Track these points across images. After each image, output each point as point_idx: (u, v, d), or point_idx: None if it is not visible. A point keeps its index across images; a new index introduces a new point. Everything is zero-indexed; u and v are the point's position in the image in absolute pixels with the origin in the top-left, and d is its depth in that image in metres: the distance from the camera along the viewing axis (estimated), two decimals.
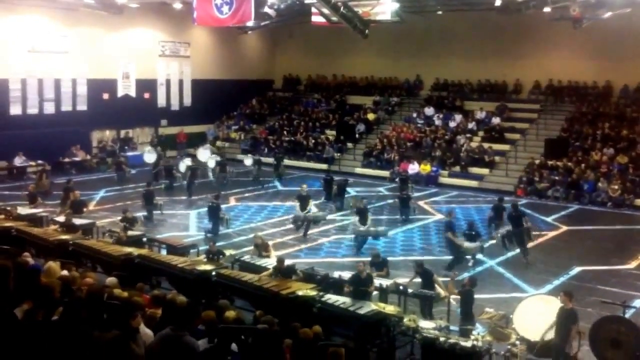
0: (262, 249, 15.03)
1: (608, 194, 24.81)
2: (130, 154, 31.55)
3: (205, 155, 30.02)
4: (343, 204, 22.93)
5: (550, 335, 10.30)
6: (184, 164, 26.85)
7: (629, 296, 13.81)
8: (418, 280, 13.01)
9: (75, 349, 5.74)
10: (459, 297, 11.84)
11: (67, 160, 29.73)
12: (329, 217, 21.52)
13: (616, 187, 24.83)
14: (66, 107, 30.81)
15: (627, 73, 29.55)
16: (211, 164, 28.41)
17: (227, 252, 14.70)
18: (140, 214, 19.95)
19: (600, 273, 16.16)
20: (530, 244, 17.49)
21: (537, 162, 27.75)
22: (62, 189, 21.23)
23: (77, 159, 30.18)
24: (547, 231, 20.54)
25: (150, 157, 29.35)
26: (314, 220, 19.63)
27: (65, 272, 9.08)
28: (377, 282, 12.58)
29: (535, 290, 14.60)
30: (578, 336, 10.14)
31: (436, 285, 12.56)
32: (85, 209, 19.83)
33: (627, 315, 11.25)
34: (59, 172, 27.83)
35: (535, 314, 10.53)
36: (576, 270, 16.33)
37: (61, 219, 17.57)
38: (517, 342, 10.41)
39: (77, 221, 17.55)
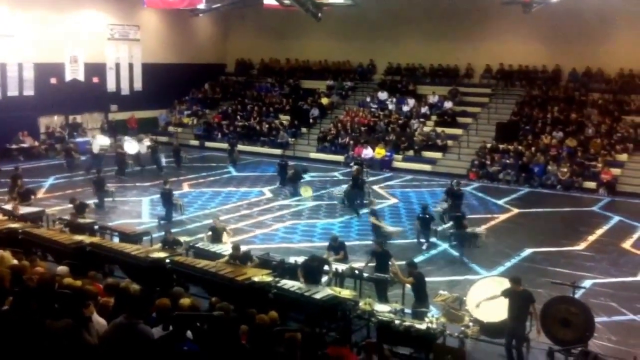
0: (219, 233, 14.91)
1: (557, 177, 25.33)
2: (79, 139, 30.85)
3: (133, 147, 27.99)
4: (296, 189, 22.89)
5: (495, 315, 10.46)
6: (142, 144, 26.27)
7: (579, 277, 14.19)
8: (373, 264, 13.10)
9: (27, 338, 5.63)
10: (411, 281, 11.86)
11: (14, 146, 28.96)
12: (284, 202, 21.53)
13: (565, 169, 25.36)
14: (12, 92, 29.92)
15: (576, 57, 30.11)
16: (142, 149, 27.88)
17: (182, 239, 14.57)
18: (92, 201, 19.60)
19: (551, 254, 16.51)
20: (481, 228, 17.81)
21: (488, 145, 28.14)
22: (10, 176, 20.70)
23: (24, 145, 29.41)
24: (498, 214, 20.88)
25: (131, 147, 27.55)
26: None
27: (15, 262, 8.85)
28: (334, 266, 12.60)
29: (487, 272, 14.84)
30: (533, 316, 10.32)
31: (391, 267, 12.61)
32: (33, 197, 19.39)
33: (576, 296, 11.51)
34: (6, 159, 27.11)
35: (488, 295, 10.68)
36: (527, 252, 16.64)
37: (9, 207, 17.14)
38: (470, 324, 10.59)
39: (27, 209, 17.18)
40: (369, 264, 13.17)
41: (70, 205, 17.33)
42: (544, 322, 10.53)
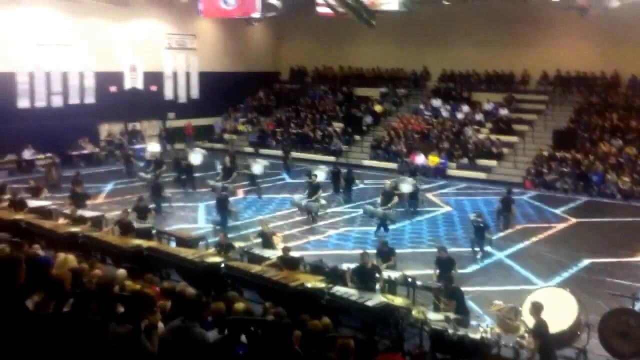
0: (269, 238, 15.03)
1: (617, 186, 24.70)
2: (138, 146, 31.56)
3: (198, 158, 26.70)
4: (351, 196, 22.90)
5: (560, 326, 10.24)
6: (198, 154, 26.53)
7: (638, 288, 13.78)
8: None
9: (87, 341, 5.75)
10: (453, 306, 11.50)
11: (75, 153, 29.80)
12: (337, 209, 21.56)
13: (626, 179, 24.71)
14: (74, 99, 30.85)
15: (635, 63, 29.32)
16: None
17: (237, 245, 14.74)
18: (150, 206, 20.03)
19: (609, 265, 16.10)
20: (536, 237, 17.53)
21: (545, 153, 27.65)
22: (70, 182, 21.32)
23: (85, 151, 30.26)
24: (555, 223, 20.47)
25: (196, 158, 26.51)
26: (309, 210, 20.07)
27: (75, 264, 9.10)
28: (386, 274, 12.57)
29: (544, 282, 14.54)
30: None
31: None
32: (88, 201, 19.88)
33: (636, 308, 11.21)
34: (67, 165, 27.91)
35: (545, 306, 10.48)
36: (585, 262, 16.27)
37: (68, 211, 17.64)
38: (526, 335, 10.40)
39: (86, 214, 17.62)
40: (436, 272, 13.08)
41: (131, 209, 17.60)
42: (602, 334, 10.30)
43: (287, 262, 12.82)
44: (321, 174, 23.74)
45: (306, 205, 20.26)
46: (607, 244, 18.02)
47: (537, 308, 9.73)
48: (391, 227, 19.41)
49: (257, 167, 25.40)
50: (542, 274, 15.24)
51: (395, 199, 19.70)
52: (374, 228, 19.00)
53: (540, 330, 9.50)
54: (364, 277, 12.12)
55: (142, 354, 5.81)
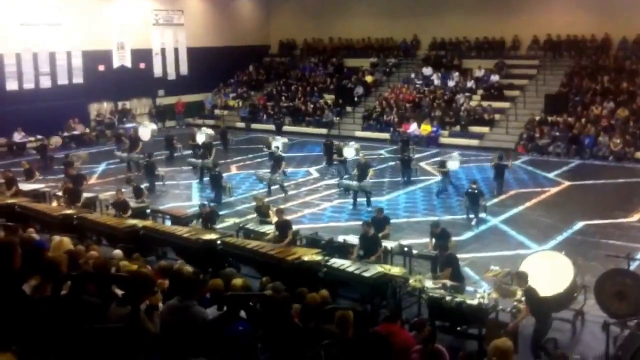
0: (265, 212, 15.05)
1: (609, 148, 24.76)
2: (129, 125, 31.36)
3: (203, 136, 26.30)
4: (346, 168, 22.90)
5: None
6: (203, 133, 26.35)
7: (633, 248, 13.86)
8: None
9: (86, 323, 5.76)
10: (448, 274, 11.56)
11: (66, 134, 29.63)
12: (330, 182, 21.57)
13: (617, 140, 24.76)
14: (62, 80, 30.60)
15: (625, 25, 29.19)
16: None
17: (233, 221, 14.79)
18: (143, 185, 19.97)
19: (604, 227, 16.20)
20: (530, 202, 17.59)
21: (537, 118, 27.64)
22: (62, 163, 21.23)
23: (76, 132, 30.07)
24: (549, 187, 20.55)
25: (201, 137, 26.05)
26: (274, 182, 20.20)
27: (70, 246, 9.10)
28: (383, 244, 12.61)
29: (539, 246, 14.64)
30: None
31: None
32: (85, 182, 19.80)
33: (631, 268, 11.30)
34: (58, 147, 27.79)
35: (540, 269, 10.55)
36: (579, 225, 16.37)
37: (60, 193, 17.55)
38: (523, 299, 10.47)
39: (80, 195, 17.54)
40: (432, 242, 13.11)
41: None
42: (599, 295, 10.38)
43: (280, 226, 12.95)
44: (280, 145, 24.08)
45: (270, 179, 20.40)
46: (600, 206, 18.11)
47: (521, 277, 9.77)
48: (386, 197, 19.46)
49: (278, 144, 24.91)
50: (537, 238, 15.33)
51: (371, 172, 19.59)
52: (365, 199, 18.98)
53: (528, 297, 9.55)
54: (368, 245, 12.26)
55: (143, 335, 5.83)
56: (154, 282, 6.88)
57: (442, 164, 20.83)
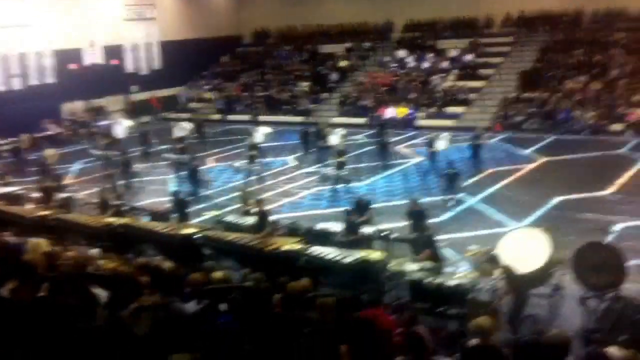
0: (247, 202, 15.02)
1: (584, 122, 24.97)
2: (103, 123, 31.04)
3: (181, 130, 26.20)
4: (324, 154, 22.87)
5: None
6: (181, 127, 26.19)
7: (609, 221, 14.07)
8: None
9: (66, 325, 5.73)
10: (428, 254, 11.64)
11: (39, 135, 29.26)
12: (309, 169, 21.59)
13: (592, 114, 24.96)
14: (33, 81, 30.25)
15: None
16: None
17: (211, 213, 14.76)
18: (120, 182, 19.85)
19: (580, 201, 16.39)
20: (506, 180, 17.71)
21: (511, 95, 27.78)
22: (37, 164, 21.04)
23: (50, 133, 29.73)
24: (525, 164, 20.71)
25: (180, 130, 25.99)
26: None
27: (47, 248, 9.04)
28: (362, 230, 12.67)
29: (517, 223, 14.76)
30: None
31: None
32: (61, 182, 19.62)
33: (607, 240, 11.43)
34: (33, 148, 27.44)
35: (518, 247, 10.63)
36: (556, 200, 16.52)
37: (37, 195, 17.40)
38: (502, 277, 10.56)
39: (57, 195, 17.40)
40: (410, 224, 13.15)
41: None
42: (576, 268, 10.48)
43: (260, 216, 13.21)
44: (262, 136, 24.21)
45: (245, 169, 20.58)
46: (576, 180, 18.30)
47: (493, 259, 9.86)
48: (365, 182, 19.51)
49: (258, 135, 24.72)
50: (515, 216, 15.44)
51: (343, 159, 19.66)
52: (347, 185, 19.02)
53: (507, 275, 9.63)
54: (354, 231, 12.47)
55: (130, 337, 5.81)
56: (137, 282, 6.85)
57: (430, 144, 20.90)
